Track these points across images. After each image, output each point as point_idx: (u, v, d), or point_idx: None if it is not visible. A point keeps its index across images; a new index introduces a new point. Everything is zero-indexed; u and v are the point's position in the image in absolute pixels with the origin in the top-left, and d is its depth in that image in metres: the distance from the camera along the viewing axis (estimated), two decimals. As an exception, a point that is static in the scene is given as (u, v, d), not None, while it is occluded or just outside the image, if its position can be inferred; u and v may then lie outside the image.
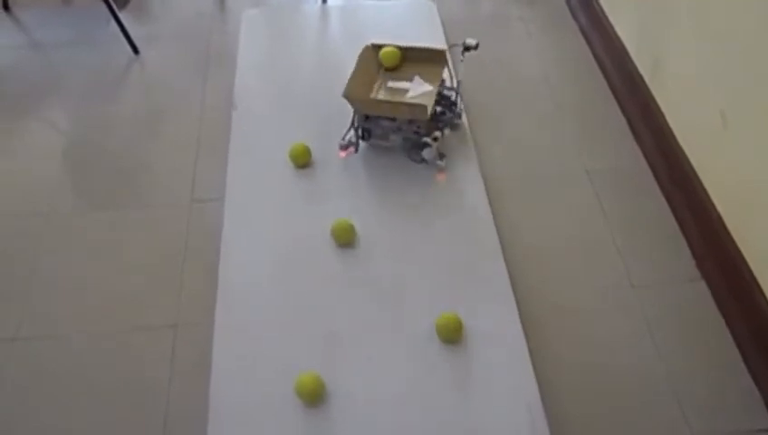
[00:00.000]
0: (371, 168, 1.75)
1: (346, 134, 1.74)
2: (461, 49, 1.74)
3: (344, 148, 1.76)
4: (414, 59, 1.81)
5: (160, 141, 1.92)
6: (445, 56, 1.78)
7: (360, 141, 1.74)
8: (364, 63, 1.75)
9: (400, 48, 1.80)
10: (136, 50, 2.22)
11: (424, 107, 1.61)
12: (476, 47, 1.72)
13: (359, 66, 1.73)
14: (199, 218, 1.70)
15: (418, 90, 1.74)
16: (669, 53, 1.76)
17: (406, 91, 1.75)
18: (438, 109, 1.73)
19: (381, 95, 1.76)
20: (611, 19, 2.09)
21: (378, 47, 1.79)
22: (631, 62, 1.94)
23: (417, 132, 1.67)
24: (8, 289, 1.57)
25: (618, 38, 2.02)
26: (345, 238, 1.57)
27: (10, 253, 1.65)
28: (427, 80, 1.76)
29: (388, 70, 1.81)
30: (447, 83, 1.79)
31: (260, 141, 1.83)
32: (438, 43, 2.09)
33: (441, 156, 1.70)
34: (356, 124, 1.71)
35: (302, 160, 1.75)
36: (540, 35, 2.28)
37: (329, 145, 1.80)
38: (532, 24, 2.33)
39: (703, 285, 1.57)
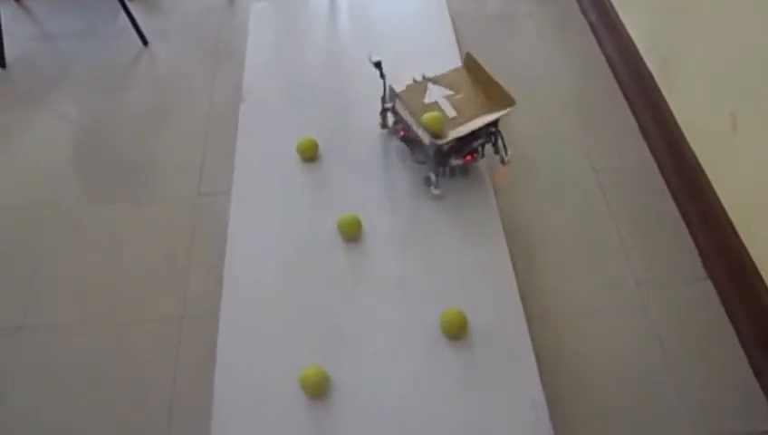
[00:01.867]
0: (378, 162, 1.75)
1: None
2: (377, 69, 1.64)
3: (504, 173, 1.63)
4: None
5: (168, 134, 1.93)
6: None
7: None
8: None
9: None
10: (145, 41, 2.22)
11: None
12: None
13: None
14: (206, 212, 1.71)
15: (443, 90, 1.69)
16: (680, 53, 1.75)
17: (445, 93, 1.68)
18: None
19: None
20: (622, 17, 2.07)
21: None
22: (641, 60, 1.93)
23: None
24: (14, 278, 1.58)
25: (628, 36, 2.01)
26: (351, 233, 1.57)
27: (16, 242, 1.65)
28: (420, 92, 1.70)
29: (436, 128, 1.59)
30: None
31: (267, 135, 1.83)
32: (448, 38, 2.09)
33: None
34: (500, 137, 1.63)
35: (310, 154, 1.75)
36: (548, 32, 2.27)
37: (336, 139, 1.80)
38: (541, 20, 2.32)
39: (708, 284, 1.56)
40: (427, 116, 1.61)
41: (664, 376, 1.40)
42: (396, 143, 1.75)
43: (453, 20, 2.21)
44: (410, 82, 1.69)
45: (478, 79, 1.70)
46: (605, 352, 1.45)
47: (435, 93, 1.69)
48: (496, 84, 1.66)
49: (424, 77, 1.72)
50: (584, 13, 2.33)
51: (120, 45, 2.23)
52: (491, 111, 1.62)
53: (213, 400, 1.30)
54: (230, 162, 1.77)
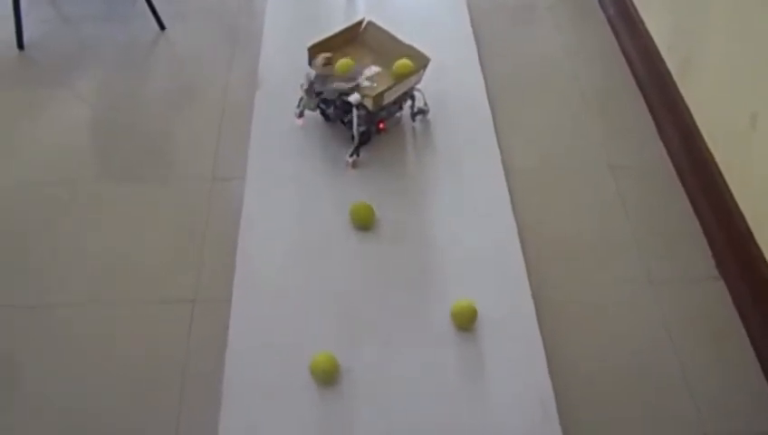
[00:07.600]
0: (393, 152, 1.75)
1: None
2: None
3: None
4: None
5: (184, 118, 1.93)
6: None
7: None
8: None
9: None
10: (162, 26, 2.23)
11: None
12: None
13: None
14: (220, 196, 1.71)
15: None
16: (700, 51, 1.73)
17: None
18: None
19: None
20: (641, 13, 2.06)
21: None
22: (660, 58, 1.91)
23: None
24: (31, 256, 1.59)
25: (647, 33, 2.00)
26: (364, 221, 1.58)
27: (33, 221, 1.67)
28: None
29: None
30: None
31: (282, 122, 1.83)
32: (464, 31, 2.08)
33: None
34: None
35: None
36: (567, 26, 2.26)
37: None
38: (560, 14, 2.30)
39: (721, 284, 1.55)
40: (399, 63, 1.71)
41: (674, 374, 1.40)
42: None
43: (470, 11, 2.21)
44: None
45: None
46: (615, 348, 1.44)
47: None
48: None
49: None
50: (603, 7, 2.31)
51: (139, 28, 2.24)
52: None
53: (223, 384, 1.32)
54: (245, 147, 1.78)
